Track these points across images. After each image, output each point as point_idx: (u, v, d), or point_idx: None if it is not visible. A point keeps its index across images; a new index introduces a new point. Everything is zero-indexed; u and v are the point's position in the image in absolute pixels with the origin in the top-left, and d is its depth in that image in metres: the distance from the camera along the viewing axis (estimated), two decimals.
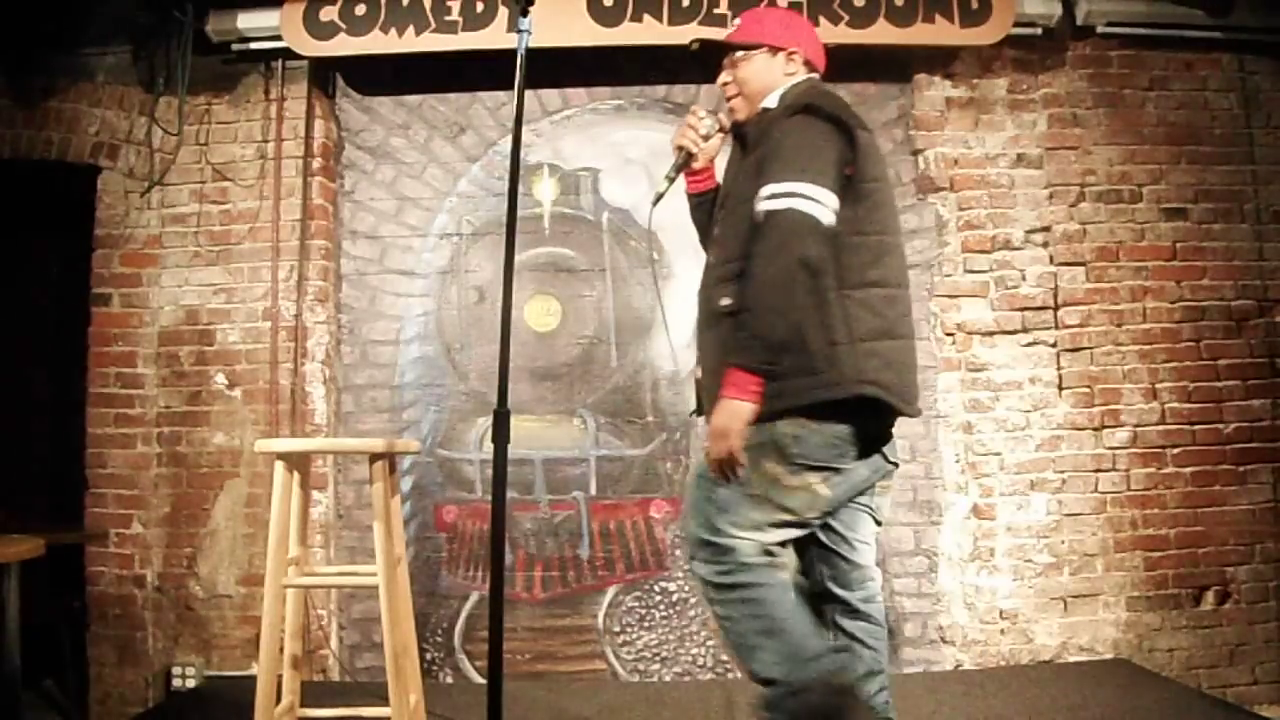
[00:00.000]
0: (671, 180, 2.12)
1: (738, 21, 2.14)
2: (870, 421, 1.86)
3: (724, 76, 2.10)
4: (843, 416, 1.83)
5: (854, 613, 1.99)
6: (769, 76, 2.04)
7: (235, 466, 3.51)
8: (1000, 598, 3.41)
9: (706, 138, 2.11)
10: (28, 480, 4.16)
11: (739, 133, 2.09)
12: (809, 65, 2.07)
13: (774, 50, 2.05)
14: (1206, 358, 3.53)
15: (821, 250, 1.78)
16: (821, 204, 1.79)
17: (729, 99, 2.10)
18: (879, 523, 2.04)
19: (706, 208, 2.15)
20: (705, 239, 2.15)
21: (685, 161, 2.13)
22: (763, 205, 1.81)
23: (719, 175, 2.17)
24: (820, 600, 2.01)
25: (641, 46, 3.52)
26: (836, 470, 1.86)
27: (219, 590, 3.46)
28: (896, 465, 2.01)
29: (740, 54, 2.07)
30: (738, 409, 1.77)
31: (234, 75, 3.69)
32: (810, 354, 1.79)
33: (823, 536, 1.99)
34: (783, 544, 1.90)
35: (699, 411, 2.03)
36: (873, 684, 1.96)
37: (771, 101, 2.00)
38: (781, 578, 1.90)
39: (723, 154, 2.18)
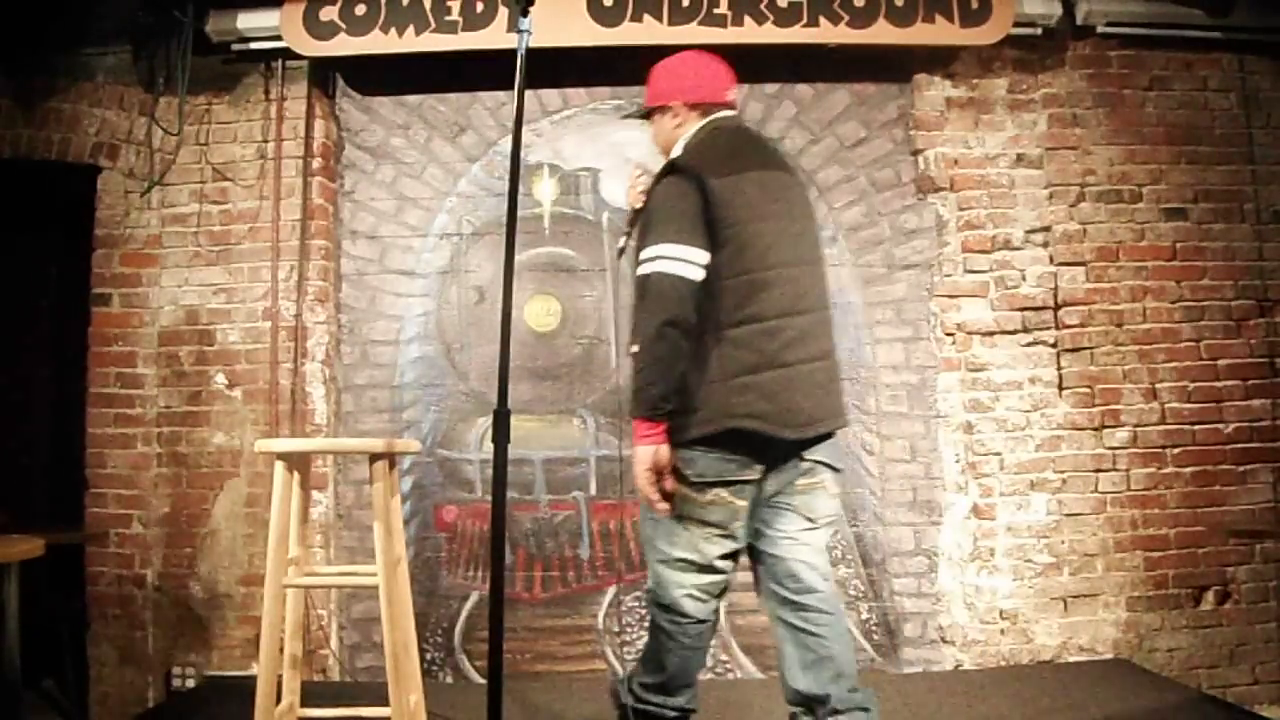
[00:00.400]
0: (629, 234, 2.27)
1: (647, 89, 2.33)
2: (755, 443, 2.01)
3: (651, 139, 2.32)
4: (725, 443, 2.00)
5: (790, 604, 2.08)
6: (666, 135, 2.25)
7: (235, 466, 3.51)
8: (1000, 598, 3.41)
9: (646, 194, 2.18)
10: (28, 480, 4.16)
11: None
12: (700, 106, 2.22)
13: (660, 110, 2.25)
14: (1206, 358, 3.53)
15: (685, 308, 1.97)
16: (685, 261, 1.98)
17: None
18: (810, 518, 2.11)
19: None
20: None
21: (636, 215, 2.24)
22: (640, 269, 2.02)
23: None
24: (764, 596, 2.14)
25: (641, 46, 3.51)
26: (744, 482, 2.04)
27: (219, 590, 3.46)
28: (836, 469, 2.14)
29: (655, 116, 2.28)
30: (640, 453, 2.02)
31: (234, 75, 3.69)
32: (689, 394, 2.01)
33: (754, 542, 2.12)
34: (724, 556, 2.07)
35: None
36: (825, 670, 2.02)
37: (676, 151, 2.18)
38: (695, 633, 2.11)
39: None
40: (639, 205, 2.21)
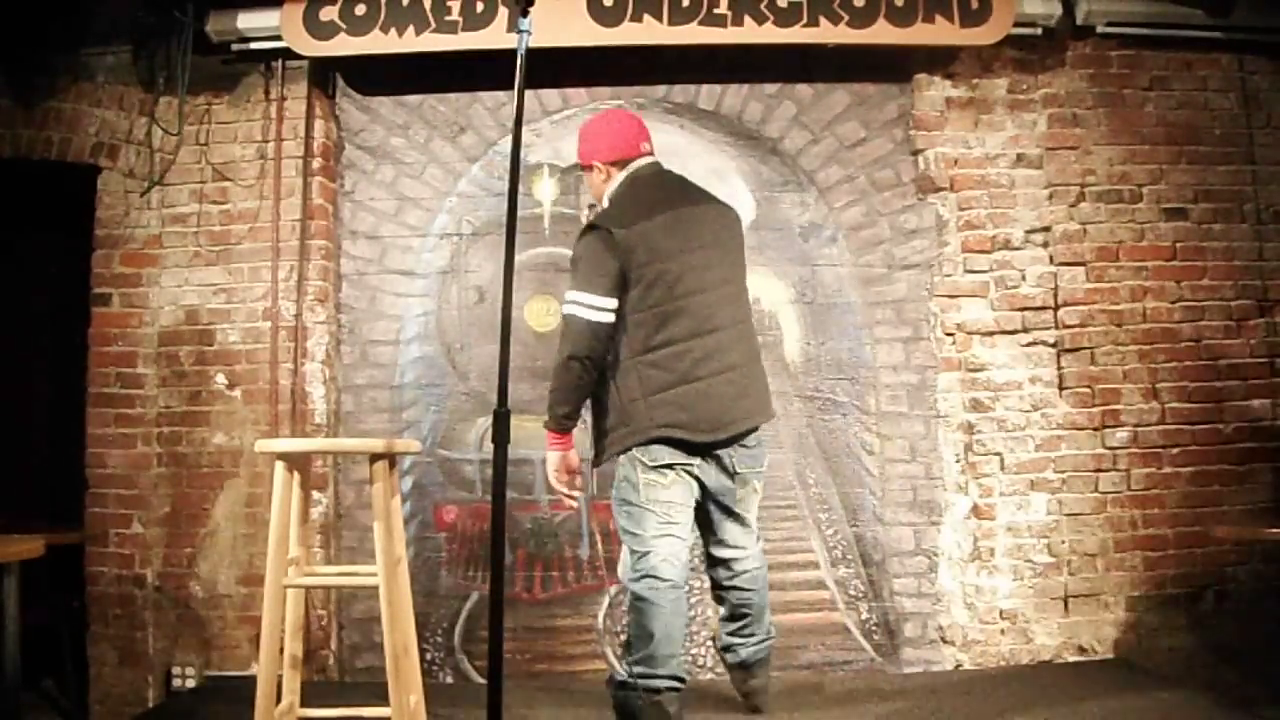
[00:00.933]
0: None
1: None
2: (680, 445, 2.44)
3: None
4: (659, 445, 2.43)
5: (724, 586, 2.67)
6: (597, 188, 2.62)
7: (235, 466, 3.51)
8: (1000, 598, 3.41)
9: None
10: (28, 480, 4.16)
11: None
12: (618, 162, 2.57)
13: (587, 168, 2.62)
14: (1206, 358, 3.53)
15: (589, 345, 2.40)
16: (591, 307, 2.39)
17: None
18: (744, 501, 2.59)
19: None
20: None
21: None
22: (562, 310, 2.48)
23: None
24: (706, 564, 2.72)
25: (641, 46, 3.52)
26: (690, 464, 2.46)
27: (219, 590, 3.46)
28: (756, 457, 2.57)
29: (586, 172, 2.65)
30: (551, 458, 2.59)
31: (234, 75, 3.69)
32: (622, 411, 2.44)
33: (699, 516, 2.58)
34: (685, 526, 2.50)
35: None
36: (744, 630, 2.67)
37: (605, 204, 2.57)
38: (672, 598, 2.45)
39: None
40: None
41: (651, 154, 2.61)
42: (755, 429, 2.54)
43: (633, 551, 2.50)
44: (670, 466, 2.44)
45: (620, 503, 2.53)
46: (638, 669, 2.42)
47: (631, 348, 2.43)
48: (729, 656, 2.76)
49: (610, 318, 2.40)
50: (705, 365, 2.44)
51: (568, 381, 2.45)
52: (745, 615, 2.67)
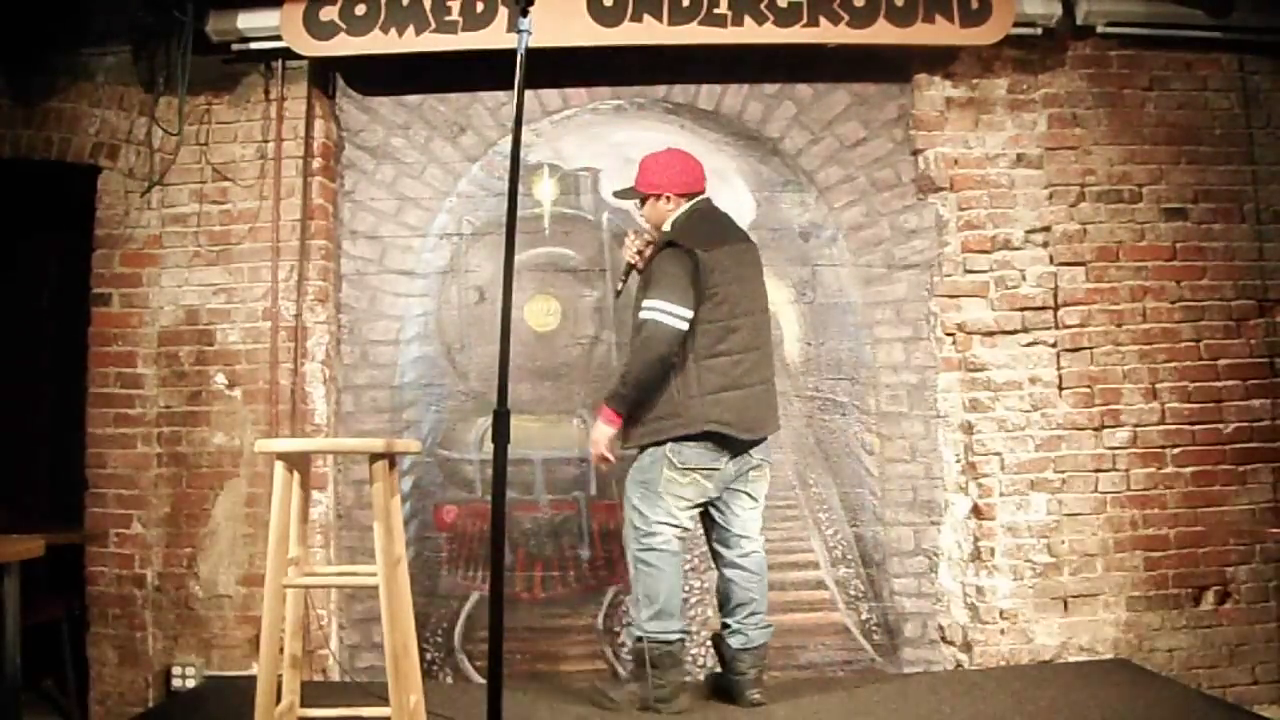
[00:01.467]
0: (624, 282, 3.09)
1: (637, 170, 3.07)
2: (723, 441, 2.82)
3: (640, 214, 3.10)
4: (703, 440, 2.80)
5: (732, 565, 2.92)
6: (659, 214, 3.00)
7: (235, 466, 3.51)
8: (1000, 598, 3.41)
9: (641, 253, 2.98)
10: (28, 480, 4.16)
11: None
12: (685, 194, 2.99)
13: (657, 197, 2.99)
14: (1206, 358, 3.53)
15: (670, 349, 2.77)
16: (674, 315, 2.77)
17: (650, 224, 3.05)
18: (755, 499, 2.94)
19: None
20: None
21: (630, 269, 3.04)
22: (640, 315, 2.83)
23: None
24: (712, 556, 3.01)
25: (641, 46, 3.52)
26: (712, 469, 2.84)
27: (219, 590, 3.46)
28: (767, 462, 2.97)
29: (640, 199, 3.04)
30: (602, 430, 2.90)
31: (234, 75, 3.69)
32: (677, 404, 2.80)
33: (711, 513, 2.94)
34: (689, 519, 2.89)
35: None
36: (743, 611, 2.90)
37: (667, 227, 2.95)
38: (674, 562, 2.85)
39: None
40: (632, 260, 2.99)
41: (706, 191, 3.06)
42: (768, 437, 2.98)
43: (636, 527, 2.86)
44: (695, 470, 2.82)
45: (638, 483, 2.87)
46: (653, 626, 2.80)
47: (696, 353, 2.82)
48: (733, 641, 2.90)
49: (687, 326, 2.79)
50: (750, 375, 2.87)
51: (649, 378, 2.82)
52: (751, 599, 2.91)
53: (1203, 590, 3.43)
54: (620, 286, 3.12)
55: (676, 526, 2.85)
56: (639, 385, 2.81)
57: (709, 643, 3.40)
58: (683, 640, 2.87)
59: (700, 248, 2.82)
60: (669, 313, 2.76)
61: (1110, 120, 3.62)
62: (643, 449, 2.88)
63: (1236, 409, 3.50)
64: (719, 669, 3.03)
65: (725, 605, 2.95)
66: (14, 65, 3.70)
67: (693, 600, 3.55)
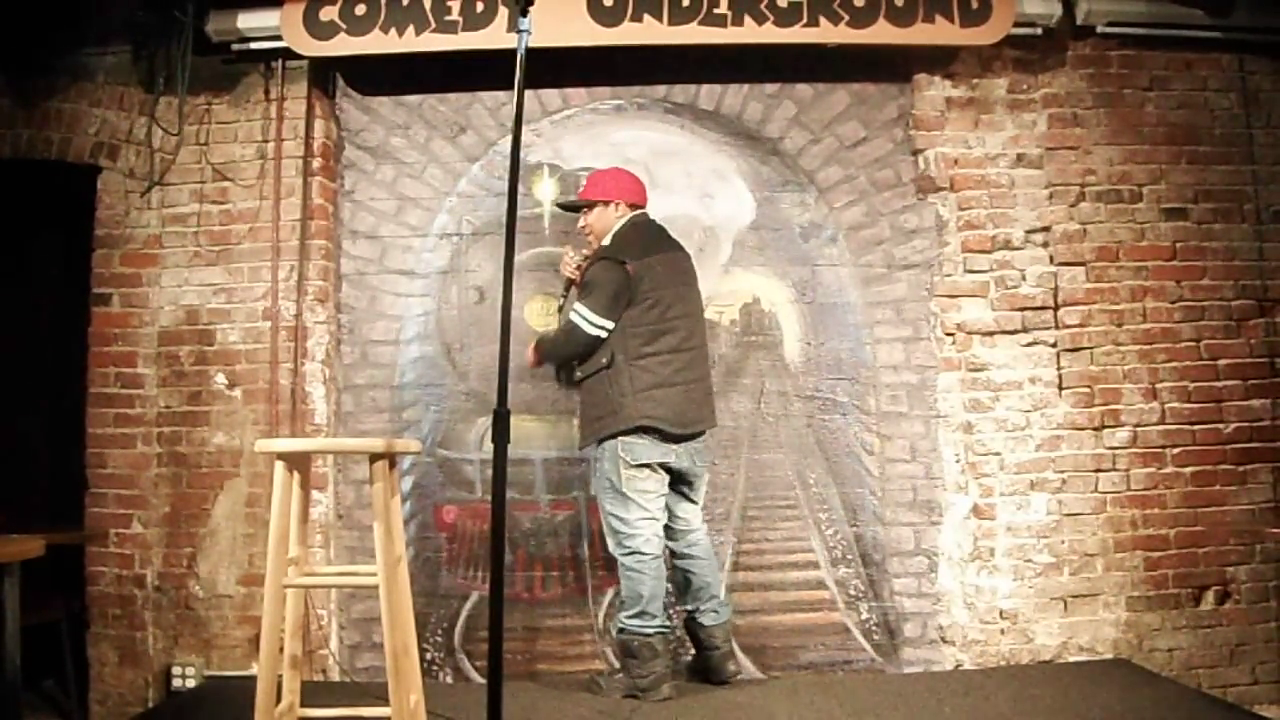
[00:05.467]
0: (564, 297, 3.23)
1: (584, 183, 3.26)
2: (661, 436, 2.99)
3: (581, 222, 3.21)
4: (642, 434, 2.97)
5: (684, 556, 3.13)
6: (606, 221, 3.15)
7: (235, 466, 3.51)
8: (1000, 598, 3.41)
9: (579, 268, 3.14)
10: (28, 480, 4.16)
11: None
12: (632, 205, 3.17)
13: (605, 203, 3.15)
14: (1206, 358, 3.53)
15: (582, 350, 3.02)
16: (594, 324, 2.98)
17: (587, 235, 3.20)
18: (695, 501, 3.17)
19: None
20: None
21: (570, 284, 3.20)
22: (569, 316, 3.05)
23: None
24: (667, 544, 3.14)
25: (641, 46, 3.52)
26: (663, 462, 3.01)
27: (219, 590, 3.46)
28: (704, 464, 3.19)
29: (586, 208, 3.19)
30: (530, 357, 3.22)
31: (234, 75, 3.69)
32: (612, 403, 2.98)
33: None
34: (659, 509, 3.03)
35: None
36: (705, 594, 3.11)
37: (606, 240, 3.12)
38: (656, 564, 3.00)
39: None
40: (571, 276, 3.17)
41: (646, 206, 3.26)
42: (705, 431, 3.18)
43: (618, 531, 3.02)
44: (648, 465, 2.99)
45: (606, 489, 3.03)
46: (633, 622, 2.98)
47: (627, 353, 2.99)
48: (705, 620, 3.12)
49: (605, 335, 3.00)
50: (682, 374, 3.04)
51: (557, 361, 3.17)
52: (705, 582, 3.12)
53: (1203, 590, 3.43)
54: (562, 302, 3.26)
55: (653, 519, 3.01)
56: (549, 358, 3.17)
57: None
58: (663, 634, 3.01)
59: (632, 258, 3.02)
60: (590, 321, 2.98)
61: (1110, 120, 3.62)
62: (597, 445, 3.05)
63: (1236, 409, 3.50)
64: (694, 653, 3.22)
65: (685, 592, 3.15)
66: (14, 65, 3.70)
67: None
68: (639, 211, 3.19)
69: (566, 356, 3.10)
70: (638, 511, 2.99)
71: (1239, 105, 3.64)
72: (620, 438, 2.98)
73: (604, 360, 2.99)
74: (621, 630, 3.02)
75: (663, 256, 3.11)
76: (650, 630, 2.98)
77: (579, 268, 3.16)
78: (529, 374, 3.61)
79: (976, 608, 3.43)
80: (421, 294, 3.75)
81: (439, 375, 3.71)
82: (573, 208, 3.26)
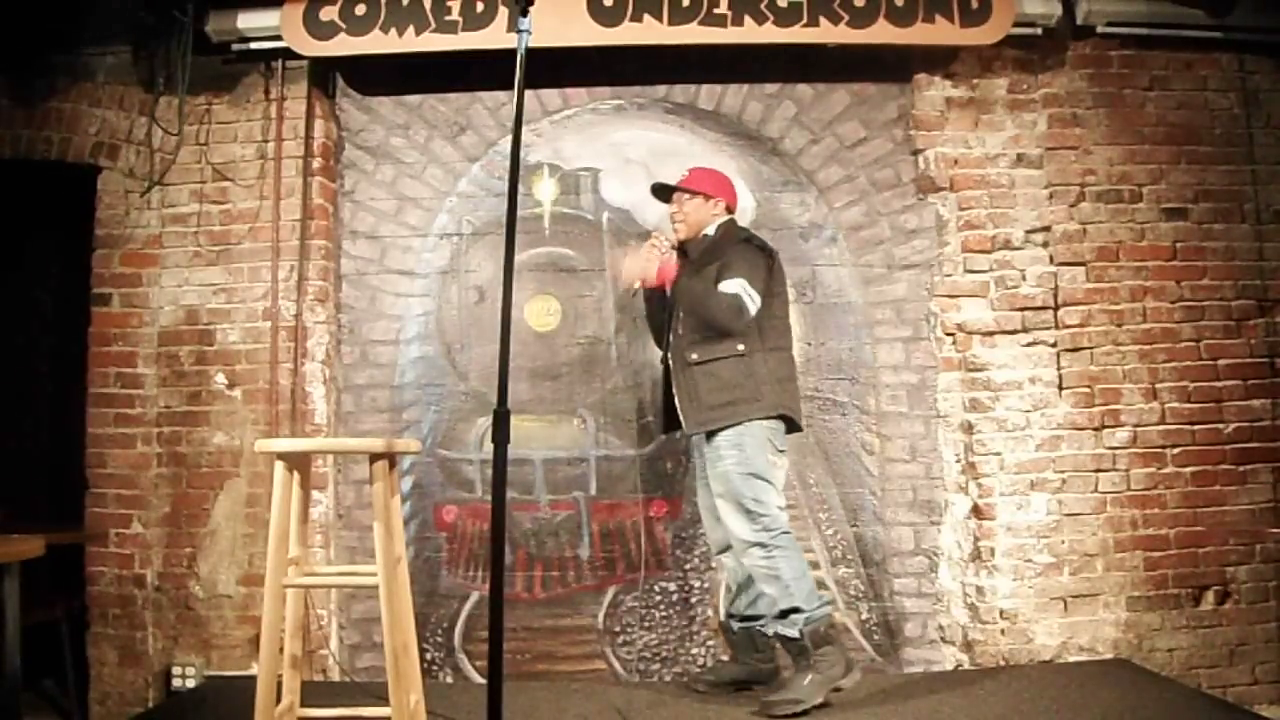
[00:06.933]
0: (638, 284, 3.15)
1: (687, 173, 3.15)
2: (789, 427, 3.02)
3: (673, 208, 3.14)
4: (778, 422, 2.98)
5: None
6: (703, 216, 3.12)
7: (235, 466, 3.51)
8: (1000, 598, 3.41)
9: (664, 255, 3.12)
10: (28, 480, 4.16)
11: (682, 248, 3.13)
12: (727, 209, 3.15)
13: (706, 198, 3.11)
14: (1206, 358, 3.53)
15: (743, 324, 2.93)
16: (752, 299, 2.92)
17: (673, 222, 3.15)
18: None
19: (656, 298, 3.20)
20: (652, 319, 3.26)
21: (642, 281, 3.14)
22: (727, 286, 2.92)
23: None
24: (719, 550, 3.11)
25: (641, 46, 3.52)
26: (782, 451, 3.03)
27: (219, 590, 3.46)
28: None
29: (688, 195, 3.11)
30: (664, 266, 3.11)
31: (234, 75, 3.69)
32: (752, 388, 2.94)
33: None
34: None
35: (666, 430, 3.16)
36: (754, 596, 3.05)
37: (710, 230, 3.10)
38: (794, 541, 2.94)
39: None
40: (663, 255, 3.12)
41: None
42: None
43: (756, 515, 2.89)
44: (783, 451, 3.02)
45: (741, 474, 2.91)
46: (808, 602, 2.83)
47: (763, 342, 2.99)
48: (767, 626, 2.98)
49: (754, 314, 2.94)
50: (796, 372, 3.15)
51: (718, 328, 2.95)
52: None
53: (1203, 590, 3.43)
54: (639, 286, 3.14)
55: (783, 510, 2.96)
56: (709, 324, 2.94)
57: (708, 642, 3.41)
58: (828, 606, 2.93)
59: (773, 252, 3.08)
60: (753, 299, 2.91)
61: (1110, 120, 3.62)
62: (726, 430, 2.91)
63: (1236, 409, 3.50)
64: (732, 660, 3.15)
65: (743, 592, 3.06)
66: (14, 65, 3.69)
67: (693, 600, 3.55)
68: (734, 216, 3.19)
69: (726, 327, 2.92)
70: (775, 496, 2.94)
71: (1239, 105, 3.64)
72: (762, 422, 2.92)
73: (740, 347, 2.93)
74: (806, 619, 2.81)
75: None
76: (824, 608, 2.87)
77: (664, 253, 3.11)
78: (529, 374, 3.61)
79: (976, 608, 3.43)
80: (421, 294, 3.75)
81: (439, 375, 3.71)
82: (666, 193, 3.17)
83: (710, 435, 2.94)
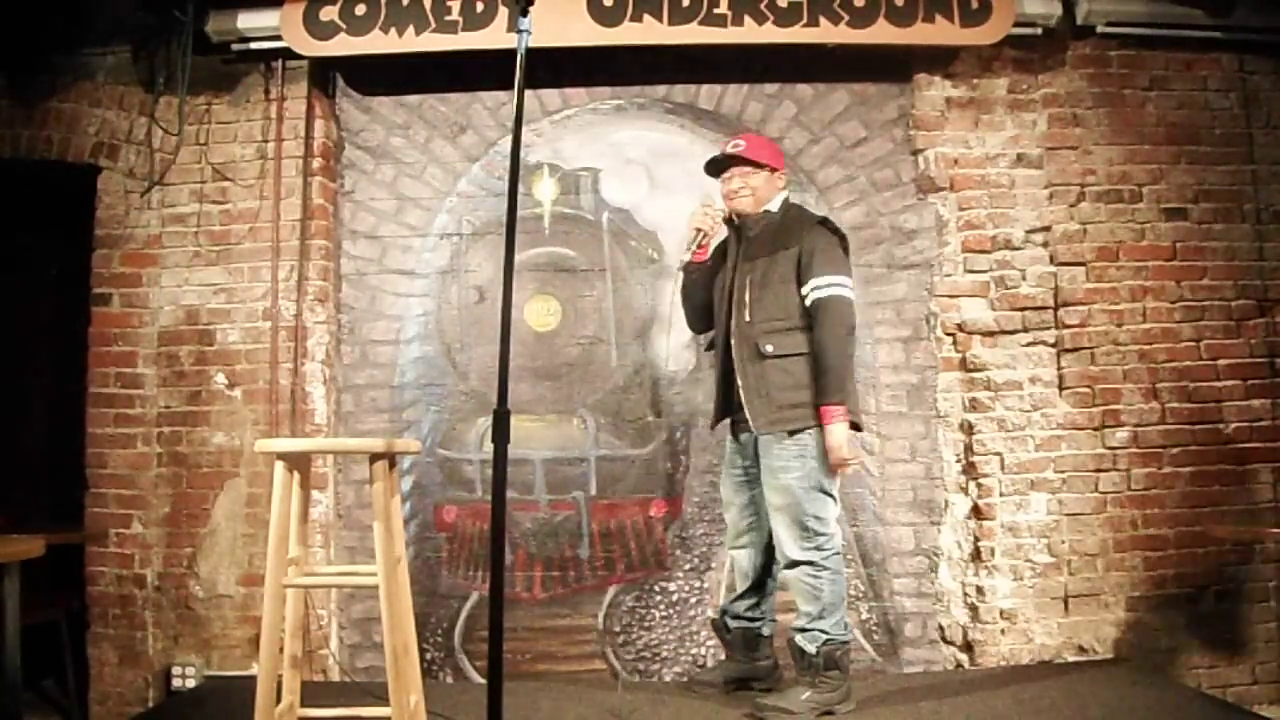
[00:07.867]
0: (692, 252, 3.00)
1: (741, 142, 2.96)
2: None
3: (736, 182, 2.93)
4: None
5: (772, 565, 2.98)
6: (769, 188, 2.96)
7: (235, 466, 3.51)
8: (1000, 597, 3.41)
9: (714, 223, 2.96)
10: (28, 480, 4.16)
11: (740, 223, 2.95)
12: (784, 188, 3.01)
13: (772, 170, 2.96)
14: (1206, 358, 3.53)
15: (854, 319, 2.79)
16: (850, 289, 2.79)
17: (737, 197, 2.94)
18: None
19: (699, 275, 3.04)
20: (690, 297, 3.09)
21: (701, 239, 2.98)
22: (817, 293, 2.76)
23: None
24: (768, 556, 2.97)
25: (641, 46, 3.52)
26: None
27: (219, 590, 3.46)
28: None
29: (751, 168, 2.92)
30: (840, 429, 2.73)
31: (234, 75, 3.69)
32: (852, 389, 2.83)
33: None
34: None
35: (719, 420, 3.01)
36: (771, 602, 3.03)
37: (773, 206, 2.94)
38: (839, 560, 2.81)
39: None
40: (704, 228, 2.95)
41: None
42: None
43: (814, 533, 2.75)
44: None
45: (806, 486, 2.75)
46: (835, 629, 2.77)
47: None
48: (763, 631, 3.01)
49: None
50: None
51: (849, 352, 2.80)
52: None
53: (1203, 590, 3.43)
54: (689, 256, 2.99)
55: (839, 524, 2.87)
56: (844, 359, 2.75)
57: (709, 642, 3.41)
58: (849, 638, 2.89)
59: (844, 235, 2.94)
60: (847, 285, 2.78)
61: (1110, 120, 3.62)
62: (801, 433, 2.75)
63: (1236, 409, 3.50)
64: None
65: (765, 595, 3.03)
66: (14, 65, 3.69)
67: (693, 600, 3.55)
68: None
69: (848, 335, 2.77)
70: (835, 510, 2.81)
71: (1239, 105, 3.64)
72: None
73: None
74: (828, 641, 2.75)
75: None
76: (848, 636, 2.82)
77: (714, 223, 2.95)
78: (529, 374, 3.61)
79: (976, 608, 3.43)
80: (421, 294, 3.74)
81: (439, 375, 3.71)
82: (724, 164, 2.96)
83: (776, 436, 2.77)
